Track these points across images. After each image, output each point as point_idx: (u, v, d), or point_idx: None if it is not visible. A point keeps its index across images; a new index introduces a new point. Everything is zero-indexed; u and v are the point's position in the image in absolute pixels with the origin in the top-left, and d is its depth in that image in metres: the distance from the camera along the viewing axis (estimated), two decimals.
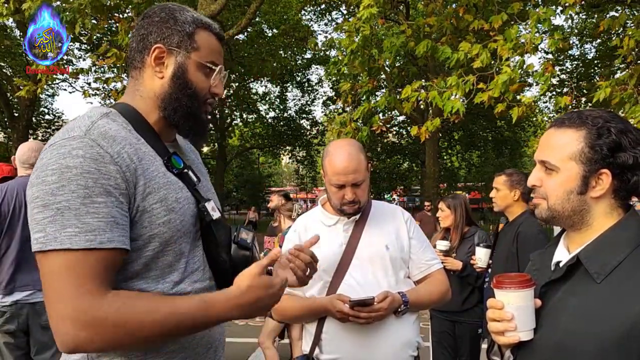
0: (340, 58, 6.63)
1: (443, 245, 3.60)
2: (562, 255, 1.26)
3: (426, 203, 13.02)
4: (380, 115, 7.68)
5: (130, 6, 6.96)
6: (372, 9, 5.67)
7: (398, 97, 6.52)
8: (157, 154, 1.18)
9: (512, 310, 1.16)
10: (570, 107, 5.73)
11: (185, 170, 1.23)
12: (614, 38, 5.74)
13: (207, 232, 1.23)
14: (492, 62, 5.59)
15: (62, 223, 1.00)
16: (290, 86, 25.05)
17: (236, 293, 1.11)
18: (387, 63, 6.24)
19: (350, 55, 6.13)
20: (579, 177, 1.17)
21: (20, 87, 7.27)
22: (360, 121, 6.52)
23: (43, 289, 1.03)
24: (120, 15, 7.36)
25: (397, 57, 6.17)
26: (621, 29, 5.86)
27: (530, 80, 14.56)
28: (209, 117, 1.30)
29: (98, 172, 1.03)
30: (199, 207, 1.21)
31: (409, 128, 24.55)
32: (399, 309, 1.86)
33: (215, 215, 1.22)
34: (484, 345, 3.62)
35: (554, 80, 5.84)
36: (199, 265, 1.22)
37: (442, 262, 3.45)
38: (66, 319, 0.99)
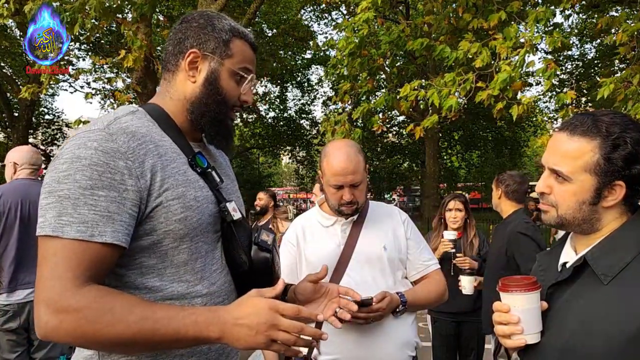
0: (338, 59, 6.61)
1: (451, 234, 3.48)
2: (568, 256, 1.24)
3: None
4: (380, 114, 7.66)
5: (132, 7, 6.92)
6: (369, 12, 5.68)
7: (397, 96, 6.51)
8: (181, 152, 1.19)
9: (518, 314, 1.15)
10: (573, 104, 5.70)
11: (209, 170, 1.23)
12: (613, 37, 5.70)
13: (228, 232, 1.23)
14: (492, 62, 5.56)
15: (59, 211, 1.02)
16: (290, 86, 25.05)
17: (226, 309, 1.05)
18: (387, 62, 6.23)
19: (349, 57, 6.14)
20: (592, 189, 1.14)
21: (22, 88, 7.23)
22: (360, 121, 6.50)
23: None
24: (123, 16, 7.32)
25: (397, 57, 6.16)
26: (620, 28, 5.84)
27: (530, 80, 14.57)
28: (233, 122, 1.31)
29: (106, 165, 1.04)
30: (220, 207, 1.21)
31: None
32: (397, 310, 1.86)
33: (237, 215, 1.22)
34: (488, 346, 3.60)
35: (554, 80, 5.82)
36: (217, 267, 1.22)
37: (460, 263, 3.43)
38: (41, 302, 0.99)
